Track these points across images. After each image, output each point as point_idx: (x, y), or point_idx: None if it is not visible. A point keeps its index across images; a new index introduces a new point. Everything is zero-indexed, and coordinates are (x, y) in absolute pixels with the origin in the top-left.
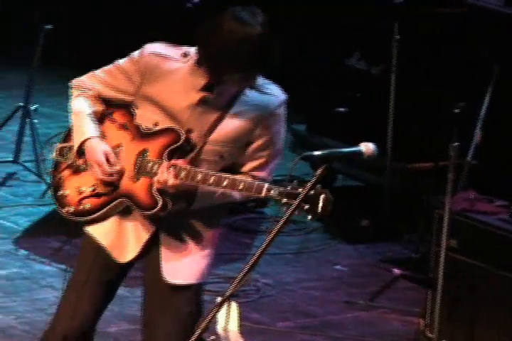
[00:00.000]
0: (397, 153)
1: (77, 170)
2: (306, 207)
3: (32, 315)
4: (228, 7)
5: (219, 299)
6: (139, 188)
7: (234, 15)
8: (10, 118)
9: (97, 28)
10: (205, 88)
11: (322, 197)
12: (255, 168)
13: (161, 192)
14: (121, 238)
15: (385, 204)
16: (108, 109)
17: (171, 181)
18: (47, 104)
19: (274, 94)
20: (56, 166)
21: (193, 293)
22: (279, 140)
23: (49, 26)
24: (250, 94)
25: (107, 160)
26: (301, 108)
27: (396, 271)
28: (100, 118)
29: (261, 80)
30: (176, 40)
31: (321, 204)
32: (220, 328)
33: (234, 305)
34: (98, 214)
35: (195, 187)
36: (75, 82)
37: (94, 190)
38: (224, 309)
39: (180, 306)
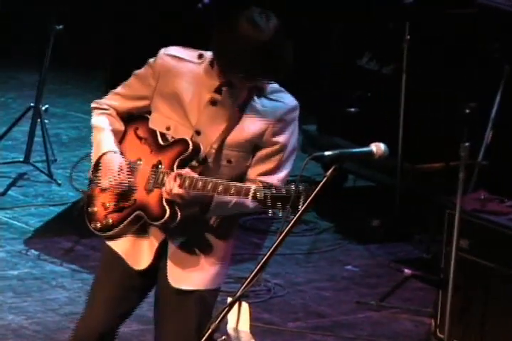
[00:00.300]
0: (408, 153)
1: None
2: (288, 207)
3: (43, 316)
4: (238, 8)
5: (229, 299)
6: (151, 200)
7: (249, 18)
8: (21, 118)
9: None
10: (216, 90)
11: (302, 198)
12: (263, 174)
13: (171, 202)
14: (135, 246)
15: (396, 204)
16: (131, 124)
17: (175, 190)
18: (58, 105)
19: (283, 101)
20: (89, 184)
21: (198, 298)
22: (288, 147)
23: (60, 26)
24: (260, 101)
25: (121, 170)
26: (312, 108)
27: (407, 271)
28: (123, 135)
29: (273, 88)
30: (186, 41)
31: (301, 204)
32: (230, 328)
33: (245, 306)
34: (120, 227)
35: (209, 197)
36: (93, 104)
37: (116, 205)
38: (235, 309)
39: (186, 310)
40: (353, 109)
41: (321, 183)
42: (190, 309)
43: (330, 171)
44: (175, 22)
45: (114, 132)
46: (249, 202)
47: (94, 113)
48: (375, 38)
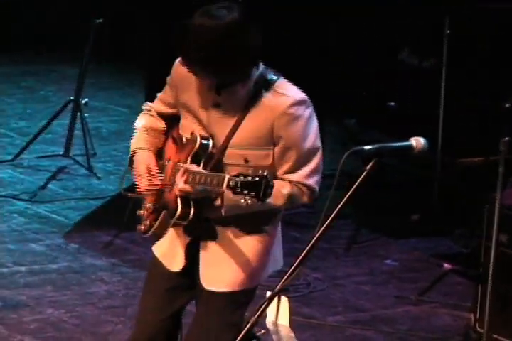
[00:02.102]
0: (448, 147)
1: None
2: (253, 193)
3: (82, 309)
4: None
5: (269, 293)
6: (171, 198)
7: (204, 11)
8: (61, 112)
9: (147, 21)
10: (216, 92)
11: (263, 182)
12: (287, 172)
13: (185, 199)
14: (171, 248)
15: (435, 198)
16: (174, 124)
17: (180, 185)
18: (97, 98)
19: (287, 94)
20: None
21: (228, 299)
22: (303, 140)
23: (100, 20)
24: (266, 96)
25: (149, 172)
26: (352, 103)
27: (446, 265)
28: (166, 134)
29: (280, 81)
30: None
31: (262, 190)
32: (269, 322)
33: (284, 300)
34: (154, 228)
35: (218, 193)
36: (143, 105)
37: (154, 206)
38: (274, 303)
39: (213, 311)
40: (393, 104)
41: (361, 177)
42: (217, 310)
43: (369, 165)
44: None
45: (153, 129)
46: (270, 198)
47: (141, 114)
48: (415, 32)
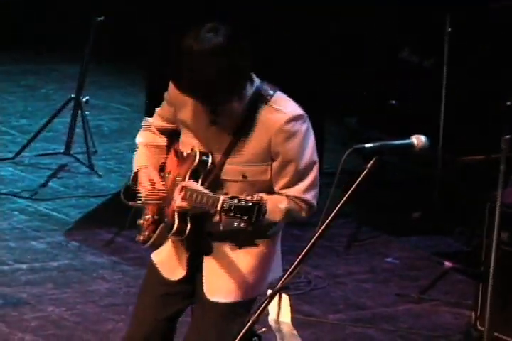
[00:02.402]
0: (449, 145)
1: None
2: (245, 218)
3: (83, 307)
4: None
5: (270, 291)
6: (169, 212)
7: (191, 34)
8: (62, 109)
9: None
10: (212, 110)
11: (256, 208)
12: (284, 187)
13: (182, 214)
14: (171, 257)
15: (436, 196)
16: (175, 138)
17: (178, 202)
18: (98, 96)
19: (283, 110)
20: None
21: (225, 309)
22: (300, 156)
23: (101, 18)
24: (262, 112)
25: (152, 181)
26: (353, 102)
27: (447, 263)
28: (168, 149)
29: (277, 96)
30: None
31: (255, 215)
32: (271, 320)
33: (285, 297)
34: (152, 240)
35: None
36: (143, 122)
37: (153, 217)
38: (275, 301)
39: (209, 320)
40: (393, 102)
41: (362, 175)
42: (214, 319)
43: (370, 163)
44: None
45: (154, 145)
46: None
47: (140, 130)
48: (416, 31)
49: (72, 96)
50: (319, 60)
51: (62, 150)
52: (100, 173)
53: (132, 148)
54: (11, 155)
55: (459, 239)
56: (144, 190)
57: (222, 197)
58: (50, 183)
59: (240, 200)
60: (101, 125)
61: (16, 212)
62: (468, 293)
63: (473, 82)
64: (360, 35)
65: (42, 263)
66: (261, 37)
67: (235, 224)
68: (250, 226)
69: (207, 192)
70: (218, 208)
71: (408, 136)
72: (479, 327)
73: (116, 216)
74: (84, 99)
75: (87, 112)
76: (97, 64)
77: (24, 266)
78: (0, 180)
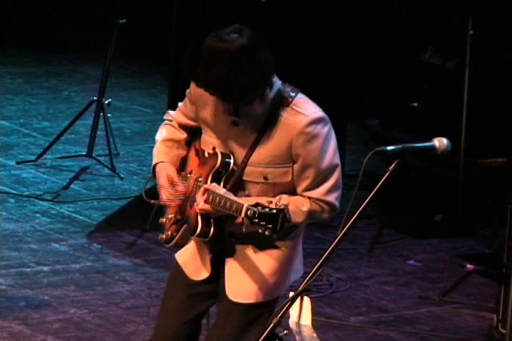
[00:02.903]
0: (471, 147)
1: None
2: (270, 226)
3: (105, 309)
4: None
5: (292, 294)
6: (192, 213)
7: (214, 34)
8: (84, 112)
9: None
10: (234, 111)
11: (281, 216)
12: (306, 189)
13: (206, 217)
14: (195, 257)
15: (459, 199)
16: (197, 135)
17: (200, 205)
18: (121, 98)
19: (304, 113)
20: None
21: (246, 309)
22: (321, 159)
23: (124, 20)
24: (284, 114)
25: (171, 182)
26: (376, 103)
27: (469, 266)
28: (188, 145)
29: (298, 98)
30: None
31: (279, 223)
32: (292, 323)
33: (307, 300)
34: (175, 240)
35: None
36: (165, 115)
37: (175, 217)
38: (297, 304)
39: (230, 321)
40: (416, 104)
41: (384, 177)
42: (236, 319)
43: (393, 165)
44: (238, 16)
45: (173, 140)
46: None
47: (162, 124)
48: (438, 32)
49: (95, 98)
50: (342, 62)
51: (84, 153)
52: (122, 176)
53: None
54: (33, 157)
55: (481, 241)
56: (164, 191)
57: (246, 204)
58: (72, 186)
59: (264, 207)
60: (123, 127)
61: (38, 215)
62: (491, 296)
63: (495, 84)
64: (382, 37)
65: (64, 265)
66: (283, 39)
67: (260, 231)
68: (275, 234)
69: (230, 196)
70: (242, 215)
71: (430, 139)
72: (501, 330)
73: (138, 218)
74: (106, 102)
75: (109, 114)
76: (119, 66)
77: (46, 268)
78: (22, 182)
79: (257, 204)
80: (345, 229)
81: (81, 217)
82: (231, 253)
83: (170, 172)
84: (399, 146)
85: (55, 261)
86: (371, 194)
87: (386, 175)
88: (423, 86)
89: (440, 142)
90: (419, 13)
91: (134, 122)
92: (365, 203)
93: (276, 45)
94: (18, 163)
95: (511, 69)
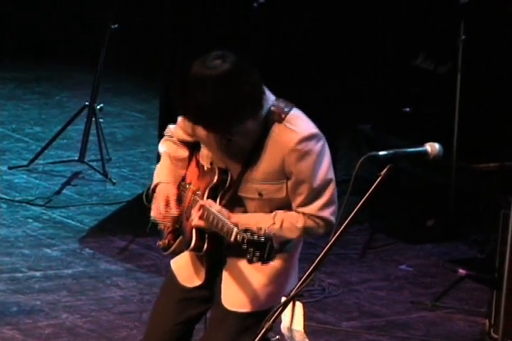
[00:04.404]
0: (463, 152)
1: None
2: (257, 254)
3: (97, 314)
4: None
5: (284, 299)
6: (187, 226)
7: (199, 62)
8: (76, 117)
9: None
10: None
11: (268, 245)
12: (300, 205)
13: (200, 231)
14: (189, 264)
15: (451, 204)
16: (196, 147)
17: (195, 221)
18: (113, 103)
19: (296, 130)
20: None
21: (240, 318)
22: (314, 175)
23: (115, 25)
24: (276, 130)
25: (167, 204)
26: (367, 108)
27: (461, 271)
28: (190, 158)
29: (292, 114)
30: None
31: (267, 252)
32: (284, 328)
33: (299, 305)
34: (172, 248)
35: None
36: (166, 130)
37: (173, 226)
38: (289, 309)
39: (224, 328)
40: (407, 109)
41: (376, 183)
42: (229, 327)
43: (384, 171)
44: (230, 23)
45: (177, 159)
46: (281, 232)
47: (163, 139)
48: (430, 37)
49: (86, 103)
50: (332, 68)
51: (76, 158)
52: (114, 181)
53: (146, 155)
54: (25, 162)
55: (473, 246)
56: (155, 209)
57: (235, 229)
58: (64, 191)
59: (252, 234)
60: (115, 132)
61: (30, 220)
62: (483, 301)
63: (487, 88)
64: (373, 42)
65: (56, 270)
66: (272, 49)
67: (248, 256)
68: (262, 263)
69: (223, 217)
70: (232, 239)
71: (422, 144)
72: (493, 335)
73: (130, 223)
74: (98, 107)
75: (101, 120)
76: (111, 71)
77: (38, 274)
78: (14, 187)
79: (246, 230)
80: (337, 234)
81: (73, 222)
82: (228, 263)
83: (168, 193)
84: (391, 151)
85: (47, 267)
86: (363, 199)
87: (378, 180)
88: (414, 90)
89: (432, 147)
90: (412, 18)
91: (126, 127)
92: (357, 208)
93: (276, 45)
94: (10, 168)
95: (504, 74)
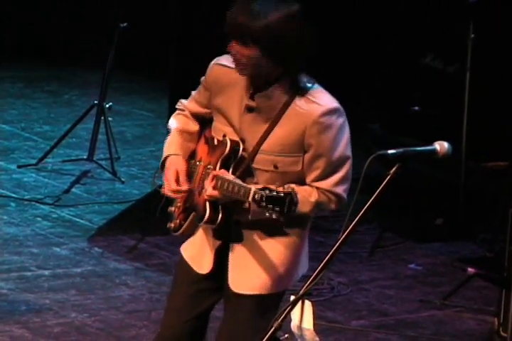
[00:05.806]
0: (473, 151)
1: None
2: (277, 209)
3: (106, 313)
4: None
5: (293, 297)
6: (200, 200)
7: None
8: (85, 116)
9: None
10: (251, 97)
11: (288, 199)
12: (315, 179)
13: (213, 203)
14: (200, 250)
15: (460, 202)
16: (207, 124)
17: (209, 191)
18: (122, 102)
19: (320, 102)
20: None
21: (256, 302)
22: (333, 150)
23: (124, 24)
24: (299, 103)
25: (177, 178)
26: (376, 107)
27: (470, 269)
28: (199, 135)
29: (314, 88)
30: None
31: (286, 206)
32: (293, 326)
33: (308, 304)
34: (183, 228)
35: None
36: (178, 103)
37: (184, 205)
38: (298, 307)
39: (242, 315)
40: (417, 108)
41: (385, 181)
42: (245, 313)
43: (393, 169)
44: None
45: (188, 132)
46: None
47: (174, 113)
48: (439, 36)
49: (95, 102)
50: (342, 66)
51: (85, 157)
52: (123, 179)
53: (155, 154)
54: (34, 161)
55: (482, 245)
56: (166, 184)
57: (253, 188)
58: (73, 189)
59: (271, 191)
60: (124, 131)
61: (39, 218)
62: (492, 299)
63: (496, 88)
64: (383, 41)
65: (65, 269)
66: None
67: (267, 214)
68: (282, 217)
69: (238, 181)
70: (250, 198)
71: (431, 142)
72: (502, 334)
73: (139, 222)
74: (107, 105)
75: (110, 118)
76: (120, 70)
77: (47, 272)
78: (23, 186)
79: (264, 188)
80: (346, 232)
81: (82, 221)
82: (238, 240)
83: (178, 167)
84: (400, 150)
85: (55, 265)
86: (372, 198)
87: (387, 179)
88: (424, 90)
89: (441, 146)
90: (420, 18)
91: (135, 126)
92: (366, 207)
93: None
94: (19, 166)
95: None
